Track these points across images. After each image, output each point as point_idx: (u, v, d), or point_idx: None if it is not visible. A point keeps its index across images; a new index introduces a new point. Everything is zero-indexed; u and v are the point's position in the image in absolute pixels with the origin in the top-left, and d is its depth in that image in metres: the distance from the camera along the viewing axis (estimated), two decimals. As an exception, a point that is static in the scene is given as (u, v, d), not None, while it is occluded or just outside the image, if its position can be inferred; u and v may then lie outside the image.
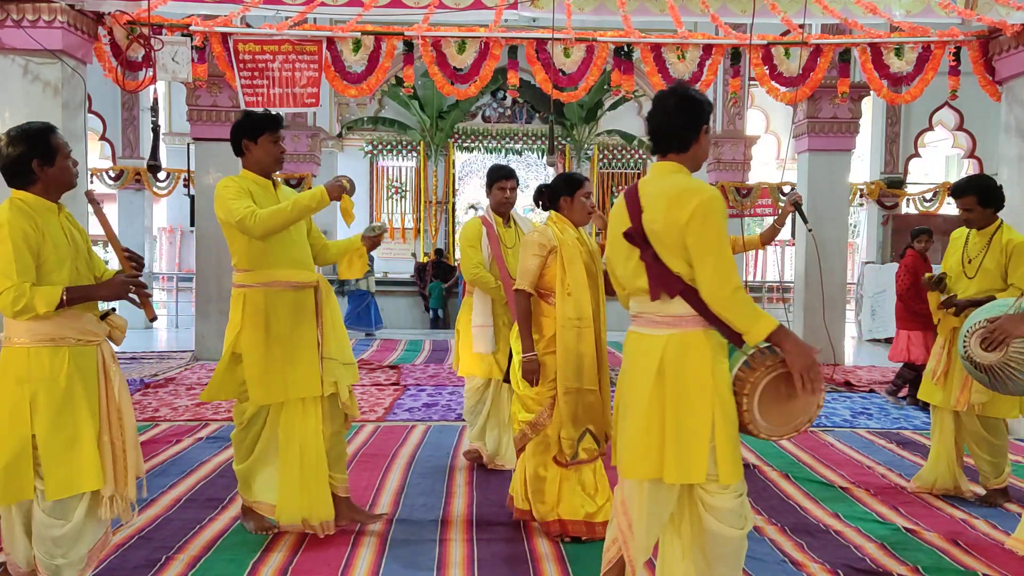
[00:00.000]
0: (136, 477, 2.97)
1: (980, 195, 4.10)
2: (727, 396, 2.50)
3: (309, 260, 3.70)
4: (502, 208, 4.74)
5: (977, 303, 3.94)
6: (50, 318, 2.74)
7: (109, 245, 2.93)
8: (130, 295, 2.85)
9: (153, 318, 2.95)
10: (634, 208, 2.59)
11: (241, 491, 3.79)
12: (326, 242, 3.89)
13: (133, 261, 2.90)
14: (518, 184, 4.84)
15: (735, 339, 2.51)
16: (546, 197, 3.85)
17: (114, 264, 3.04)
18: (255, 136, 3.62)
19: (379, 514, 3.95)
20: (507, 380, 4.31)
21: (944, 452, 4.36)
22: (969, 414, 4.22)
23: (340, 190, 3.47)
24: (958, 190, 4.21)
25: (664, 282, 2.52)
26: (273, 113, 3.73)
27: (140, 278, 2.89)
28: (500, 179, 4.70)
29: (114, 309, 3.03)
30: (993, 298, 3.93)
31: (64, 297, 2.71)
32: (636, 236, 2.57)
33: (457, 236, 4.54)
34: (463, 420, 6.22)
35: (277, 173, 3.77)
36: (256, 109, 3.69)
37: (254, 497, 3.74)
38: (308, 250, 3.73)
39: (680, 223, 2.46)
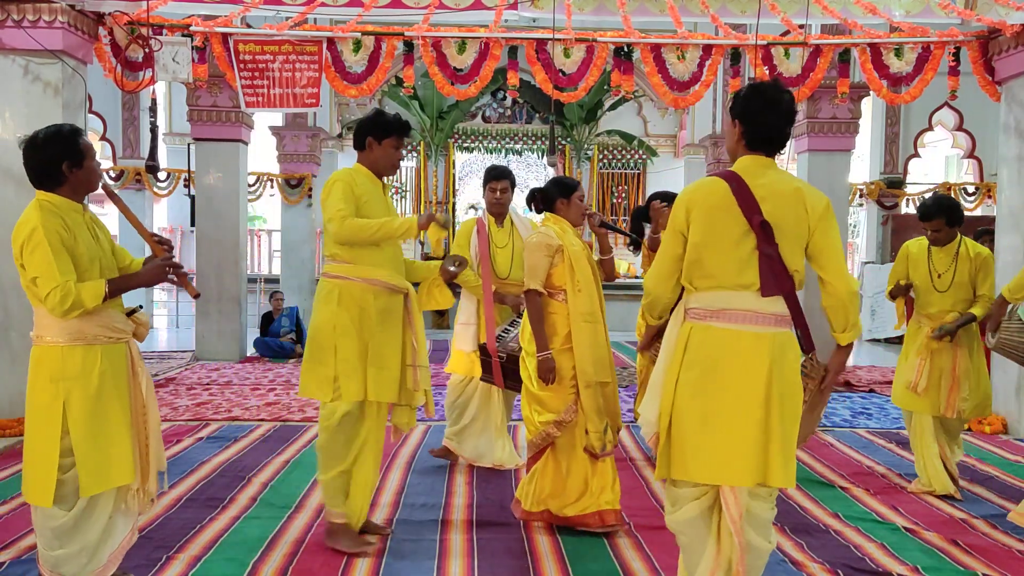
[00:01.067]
0: (158, 471, 3.03)
1: (948, 216, 4.34)
2: None
3: (403, 267, 3.67)
4: (493, 208, 4.81)
5: (962, 324, 4.32)
6: (88, 315, 2.78)
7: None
8: (169, 276, 2.90)
9: (196, 295, 3.05)
10: (749, 200, 2.50)
11: (331, 505, 3.54)
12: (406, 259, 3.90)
13: (163, 244, 2.95)
14: (513, 185, 4.85)
15: (807, 344, 2.60)
16: (539, 200, 3.91)
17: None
18: (381, 137, 3.57)
19: (385, 530, 3.81)
20: (510, 386, 4.31)
21: (931, 455, 4.46)
22: (950, 418, 4.42)
23: (430, 222, 3.53)
24: (927, 214, 4.41)
25: (780, 279, 2.49)
26: (402, 119, 3.67)
27: (172, 259, 2.94)
28: (491, 180, 4.77)
29: (140, 307, 3.08)
30: (973, 317, 4.31)
31: (108, 289, 2.75)
32: (765, 229, 2.48)
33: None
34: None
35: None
36: (387, 112, 3.72)
37: (341, 509, 3.56)
38: (403, 257, 3.71)
39: (811, 220, 2.50)
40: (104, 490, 2.85)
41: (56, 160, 2.81)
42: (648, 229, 5.08)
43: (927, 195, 13.16)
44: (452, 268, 3.74)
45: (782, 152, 2.63)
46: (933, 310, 4.44)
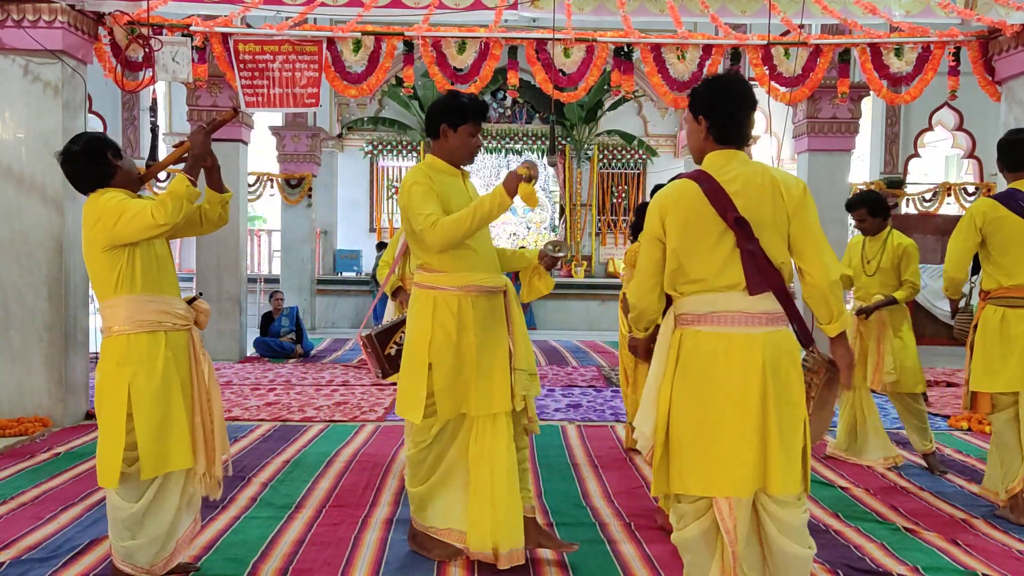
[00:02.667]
0: (223, 456, 3.14)
1: (869, 207, 4.89)
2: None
3: (498, 262, 3.40)
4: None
5: (884, 305, 4.81)
6: (151, 301, 2.93)
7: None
8: (213, 126, 3.09)
9: (237, 107, 3.36)
10: (722, 198, 2.42)
11: (415, 514, 3.47)
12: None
13: (179, 148, 3.12)
14: None
15: (806, 339, 2.52)
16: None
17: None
18: (456, 124, 3.27)
19: (571, 543, 3.46)
20: None
21: (847, 420, 5.11)
22: (895, 395, 4.92)
23: (517, 181, 3.04)
24: (851, 205, 5.00)
25: (766, 275, 2.41)
26: (479, 100, 3.37)
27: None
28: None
29: (201, 294, 3.20)
30: (894, 299, 4.79)
31: (188, 179, 2.94)
32: (744, 226, 2.40)
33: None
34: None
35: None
36: (463, 93, 3.42)
37: (428, 522, 3.43)
38: (494, 250, 3.42)
39: (788, 208, 2.42)
40: (162, 473, 2.95)
41: (101, 153, 2.97)
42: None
43: (927, 195, 13.20)
44: (555, 253, 3.41)
45: (750, 143, 2.62)
46: (861, 292, 5.00)
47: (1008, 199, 3.95)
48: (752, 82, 10.88)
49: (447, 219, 3.06)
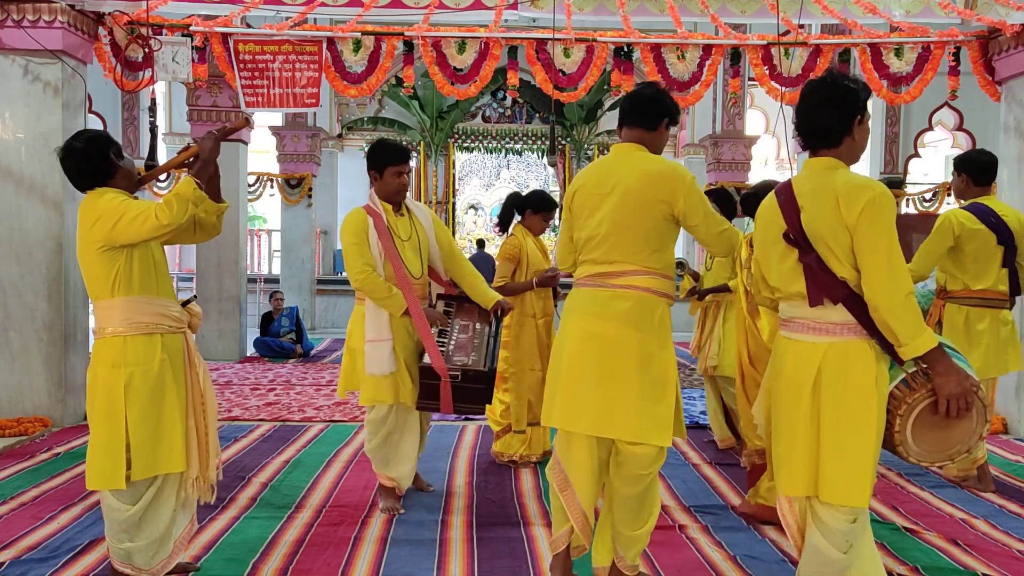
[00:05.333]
0: (216, 459, 3.12)
1: (718, 203, 5.13)
2: (883, 414, 2.41)
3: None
4: (397, 196, 4.00)
5: (714, 290, 5.18)
6: (147, 303, 2.93)
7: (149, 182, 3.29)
8: (224, 133, 3.12)
9: (250, 118, 3.26)
10: (790, 208, 2.46)
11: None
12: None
13: (185, 152, 3.14)
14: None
15: (892, 354, 2.38)
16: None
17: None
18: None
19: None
20: (462, 409, 3.99)
21: (713, 409, 5.37)
22: (711, 379, 5.28)
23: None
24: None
25: (827, 287, 2.37)
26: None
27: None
28: (395, 162, 3.95)
29: (195, 296, 3.21)
30: (725, 287, 5.08)
31: (196, 182, 2.98)
32: (797, 238, 2.43)
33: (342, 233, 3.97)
34: (464, 420, 6.23)
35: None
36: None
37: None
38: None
39: (848, 223, 2.33)
40: (152, 475, 2.94)
41: (103, 151, 2.97)
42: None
43: (927, 195, 13.20)
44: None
45: (836, 146, 2.46)
46: (707, 284, 5.36)
47: (983, 215, 4.28)
48: (752, 82, 10.90)
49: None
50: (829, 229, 2.37)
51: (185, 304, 3.10)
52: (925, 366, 2.37)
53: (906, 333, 2.30)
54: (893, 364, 2.43)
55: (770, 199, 2.59)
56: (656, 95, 2.96)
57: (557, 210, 4.71)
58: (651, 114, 2.94)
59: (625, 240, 2.83)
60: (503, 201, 5.20)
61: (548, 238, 14.40)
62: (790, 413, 2.47)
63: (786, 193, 2.50)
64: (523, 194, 5.07)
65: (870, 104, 2.56)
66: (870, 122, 2.51)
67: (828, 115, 2.46)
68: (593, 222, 2.88)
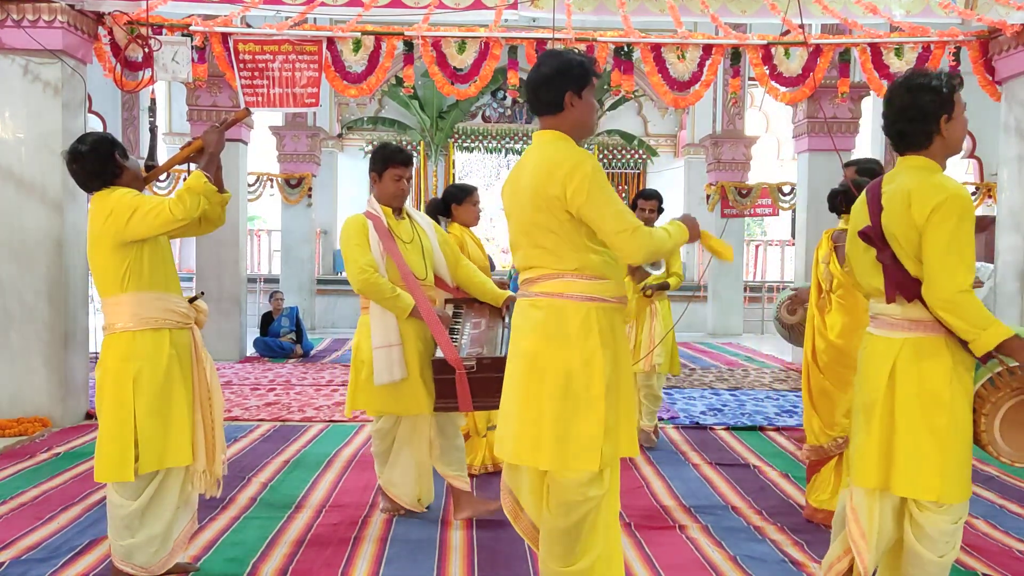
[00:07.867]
0: (223, 454, 3.15)
1: (660, 200, 5.36)
2: (965, 411, 2.39)
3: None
4: (395, 201, 3.88)
5: (660, 287, 5.34)
6: (156, 299, 2.97)
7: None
8: (226, 124, 3.17)
9: (247, 109, 3.59)
10: (875, 206, 2.47)
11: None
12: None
13: (187, 148, 3.14)
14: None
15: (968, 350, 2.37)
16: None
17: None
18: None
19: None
20: (481, 405, 3.73)
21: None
22: (647, 374, 5.41)
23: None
24: (645, 196, 5.38)
25: (901, 285, 2.40)
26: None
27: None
28: (397, 164, 3.84)
29: (203, 293, 3.24)
30: (666, 284, 5.31)
31: (205, 176, 2.99)
32: (874, 236, 2.45)
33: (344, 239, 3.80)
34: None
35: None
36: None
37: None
38: None
39: (917, 223, 2.34)
40: (160, 468, 2.97)
41: (108, 152, 3.00)
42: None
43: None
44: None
45: (923, 148, 2.45)
46: (649, 281, 5.46)
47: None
48: (752, 82, 10.89)
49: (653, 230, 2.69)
50: (901, 228, 2.40)
51: (192, 301, 3.14)
52: (1015, 364, 2.36)
53: (968, 328, 2.31)
54: (979, 364, 2.45)
55: (862, 196, 2.61)
56: (539, 77, 2.64)
57: (476, 190, 4.77)
58: (545, 96, 2.65)
59: (533, 241, 2.57)
60: (426, 213, 4.58)
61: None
62: (869, 406, 2.49)
63: (874, 191, 2.53)
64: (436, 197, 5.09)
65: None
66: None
67: (911, 122, 2.45)
68: (511, 226, 2.68)
